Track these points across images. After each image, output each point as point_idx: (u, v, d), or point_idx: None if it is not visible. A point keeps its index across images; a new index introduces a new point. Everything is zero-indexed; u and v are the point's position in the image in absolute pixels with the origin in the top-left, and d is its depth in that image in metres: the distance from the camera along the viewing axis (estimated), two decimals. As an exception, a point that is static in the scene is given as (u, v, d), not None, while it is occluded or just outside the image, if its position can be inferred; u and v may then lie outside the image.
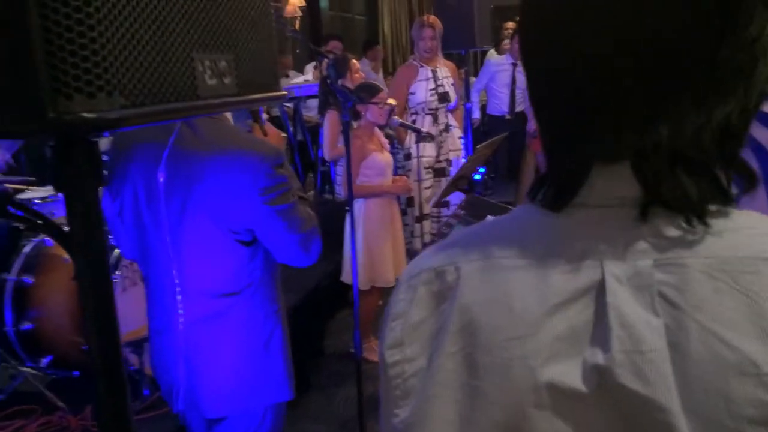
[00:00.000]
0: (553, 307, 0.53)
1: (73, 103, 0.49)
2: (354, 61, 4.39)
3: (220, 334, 1.69)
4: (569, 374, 0.52)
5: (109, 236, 1.89)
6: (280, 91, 0.87)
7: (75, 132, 0.54)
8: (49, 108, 0.48)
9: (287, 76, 7.67)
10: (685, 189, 0.52)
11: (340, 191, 4.78)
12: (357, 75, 4.25)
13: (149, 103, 0.56)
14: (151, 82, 0.57)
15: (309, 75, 6.59)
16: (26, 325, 2.79)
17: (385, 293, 3.84)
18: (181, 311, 1.68)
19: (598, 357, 0.51)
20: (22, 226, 3.26)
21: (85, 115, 0.50)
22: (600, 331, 0.52)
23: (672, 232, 0.53)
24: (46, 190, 3.27)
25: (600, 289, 0.53)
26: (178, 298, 1.67)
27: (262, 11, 0.86)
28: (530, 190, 0.60)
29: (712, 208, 0.53)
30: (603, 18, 0.51)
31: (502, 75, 6.40)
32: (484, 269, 0.57)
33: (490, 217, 2.42)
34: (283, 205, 1.61)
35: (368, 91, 3.42)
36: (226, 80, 0.71)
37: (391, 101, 3.71)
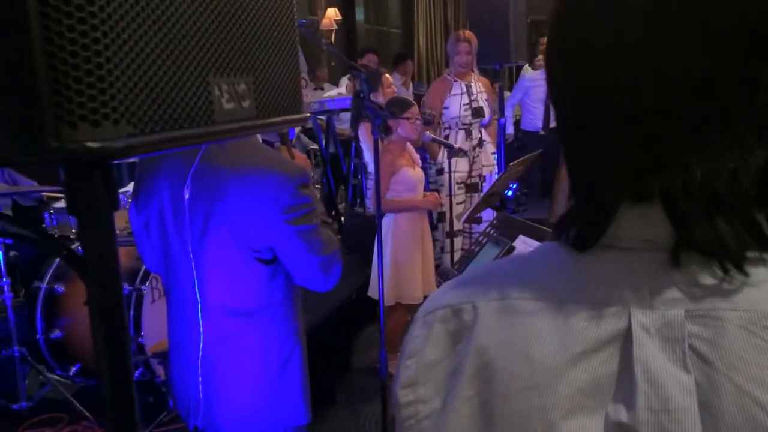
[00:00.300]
0: (575, 356, 0.50)
1: (77, 132, 0.47)
2: (387, 75, 4.38)
3: (238, 353, 1.67)
4: (590, 430, 0.48)
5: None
6: (302, 113, 0.84)
7: (78, 162, 0.51)
8: (51, 137, 0.46)
9: (322, 88, 7.72)
10: (721, 233, 0.48)
11: (370, 205, 4.77)
12: (389, 90, 4.24)
13: (159, 130, 0.54)
14: (162, 108, 0.54)
15: (343, 88, 6.61)
16: (56, 333, 2.82)
17: (412, 310, 3.80)
18: (201, 327, 1.67)
19: (622, 414, 0.47)
20: (56, 234, 3.31)
21: (90, 144, 0.47)
22: (624, 385, 0.48)
23: (706, 280, 0.48)
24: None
25: (626, 340, 0.49)
26: (199, 314, 1.66)
27: (286, 31, 0.84)
28: (555, 227, 0.56)
29: (751, 255, 0.48)
30: (631, 53, 0.48)
31: (537, 90, 6.34)
32: (502, 310, 0.54)
33: (520, 239, 2.37)
34: (305, 225, 1.59)
35: (400, 106, 3.40)
36: (245, 104, 0.69)
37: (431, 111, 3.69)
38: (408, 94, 6.52)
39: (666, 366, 0.47)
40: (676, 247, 0.49)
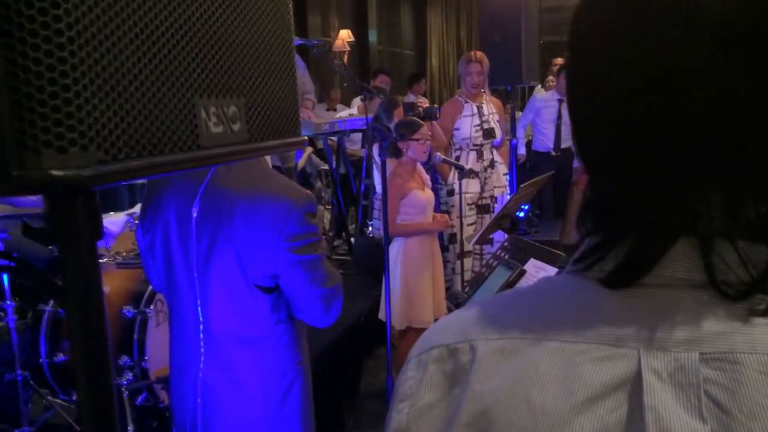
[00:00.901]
0: (580, 403, 0.45)
1: (41, 159, 0.43)
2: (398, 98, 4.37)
3: (237, 380, 1.63)
4: None
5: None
6: (299, 136, 0.80)
7: (42, 191, 0.47)
8: (13, 165, 0.43)
9: (335, 109, 7.74)
10: (750, 271, 0.44)
11: (378, 227, 4.73)
12: (398, 110, 4.23)
13: (136, 156, 0.50)
14: (139, 132, 0.50)
15: (355, 109, 6.61)
16: (60, 357, 2.79)
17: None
18: (202, 351, 1.63)
19: None
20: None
21: (55, 172, 0.44)
22: None
23: (725, 318, 0.44)
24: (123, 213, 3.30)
25: (635, 385, 0.45)
26: (201, 336, 1.63)
27: (283, 51, 0.80)
28: (578, 260, 0.51)
29: None
30: (646, 82, 0.45)
31: (548, 111, 6.32)
32: (502, 351, 0.50)
33: (531, 262, 2.32)
34: (309, 255, 1.55)
35: (409, 128, 3.36)
36: (235, 127, 0.65)
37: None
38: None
39: (680, 414, 0.43)
40: (695, 284, 0.45)
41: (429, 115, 3.68)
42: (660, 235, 0.46)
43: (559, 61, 8.39)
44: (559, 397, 0.46)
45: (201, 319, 1.62)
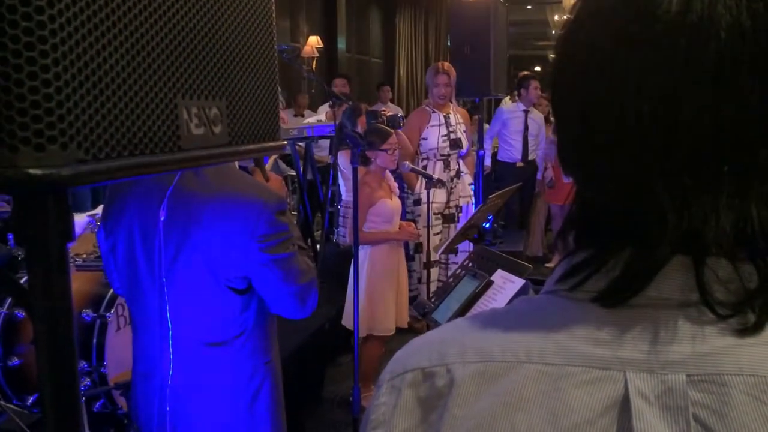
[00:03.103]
0: (567, 429, 0.44)
1: (17, 157, 0.41)
2: (364, 107, 4.36)
3: (205, 386, 1.60)
4: None
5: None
6: (279, 140, 0.79)
7: (19, 190, 0.45)
8: (-13, 162, 0.40)
9: (302, 115, 7.72)
10: (747, 292, 0.43)
11: (345, 235, 4.71)
12: (361, 118, 4.23)
13: (116, 156, 0.48)
14: (120, 132, 0.48)
15: (322, 115, 6.59)
16: (14, 361, 2.70)
17: (389, 341, 3.73)
18: (171, 356, 1.59)
19: None
20: (21, 256, 3.19)
21: (32, 171, 0.42)
22: None
23: (712, 339, 0.44)
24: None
25: (623, 409, 0.43)
26: (170, 342, 1.59)
27: (266, 55, 0.79)
28: (563, 277, 0.50)
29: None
30: (646, 100, 0.44)
31: (515, 122, 6.40)
32: (482, 374, 0.48)
33: (499, 273, 2.33)
34: (281, 254, 1.54)
35: (378, 136, 3.36)
36: (216, 129, 0.63)
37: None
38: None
39: None
40: (684, 303, 0.44)
41: (392, 124, 3.68)
42: (656, 254, 0.45)
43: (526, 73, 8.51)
44: (545, 423, 0.44)
45: (170, 324, 1.59)
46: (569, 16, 0.51)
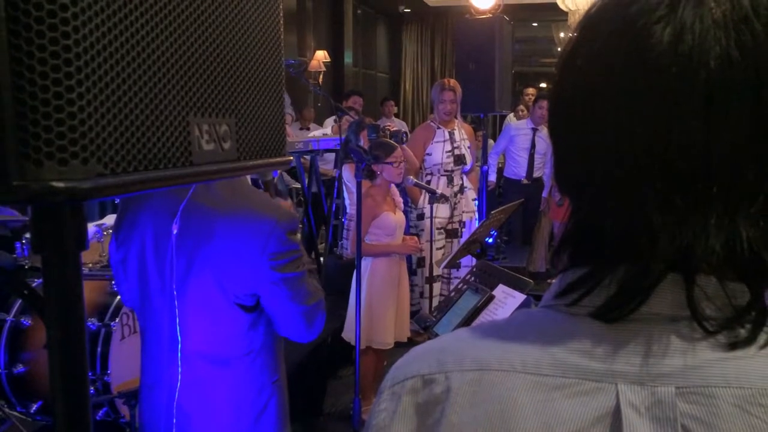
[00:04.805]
0: None
1: (42, 171, 0.44)
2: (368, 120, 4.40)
3: (211, 399, 1.61)
4: None
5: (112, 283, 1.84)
6: (285, 155, 0.82)
7: (42, 202, 0.48)
8: (14, 175, 0.43)
9: (308, 128, 7.77)
10: (738, 307, 0.45)
11: (348, 247, 4.73)
12: (364, 132, 4.26)
13: (132, 170, 0.51)
14: (136, 148, 0.51)
15: (328, 129, 6.64)
16: (19, 368, 2.72)
17: (390, 354, 3.74)
18: (180, 369, 1.60)
19: None
20: (27, 265, 3.23)
21: (55, 184, 0.44)
22: None
23: (702, 353, 0.46)
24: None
25: (615, 419, 0.45)
26: (179, 355, 1.60)
27: (273, 73, 0.82)
28: (563, 293, 0.51)
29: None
30: (641, 121, 0.46)
31: (522, 139, 6.41)
32: (478, 382, 0.49)
33: (500, 288, 2.35)
34: (291, 273, 1.54)
35: (384, 150, 3.40)
36: (226, 145, 0.66)
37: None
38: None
39: None
40: (673, 317, 0.46)
41: (395, 139, 3.72)
42: (651, 271, 0.46)
43: (532, 91, 8.56)
44: (539, 431, 0.46)
45: (179, 338, 1.60)
46: (566, 44, 0.53)
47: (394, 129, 4.20)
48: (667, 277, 0.47)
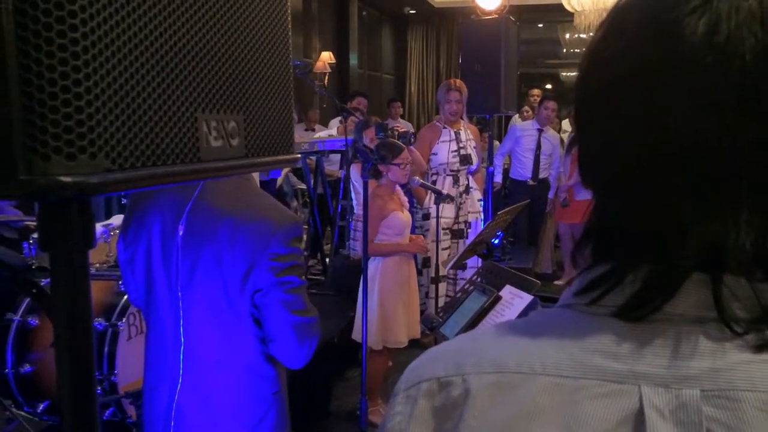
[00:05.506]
0: None
1: (49, 165, 0.43)
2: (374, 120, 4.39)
3: (210, 406, 1.59)
4: None
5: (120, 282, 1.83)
6: (293, 153, 0.81)
7: (49, 197, 0.48)
8: (21, 169, 0.43)
9: (313, 129, 7.77)
10: (754, 306, 0.44)
11: (356, 247, 4.73)
12: (369, 130, 4.25)
13: (140, 166, 0.50)
14: (144, 143, 0.51)
15: (333, 130, 6.64)
16: (26, 368, 2.73)
17: (396, 354, 3.73)
18: (181, 373, 1.60)
19: None
20: (34, 265, 3.24)
21: (63, 179, 0.44)
22: None
23: (728, 356, 0.44)
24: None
25: (638, 422, 0.44)
26: (181, 358, 1.60)
27: (282, 70, 0.81)
28: (582, 291, 0.50)
29: None
30: (673, 117, 0.45)
31: (527, 140, 6.40)
32: (498, 385, 0.48)
33: (507, 288, 2.34)
34: (289, 277, 1.52)
35: (391, 151, 3.39)
36: (234, 142, 0.66)
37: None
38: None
39: None
40: (700, 318, 0.45)
41: (403, 140, 3.72)
42: (676, 270, 0.45)
43: (537, 92, 8.54)
44: None
45: (182, 340, 1.59)
46: (594, 35, 0.52)
47: (403, 130, 4.20)
48: (692, 277, 0.45)
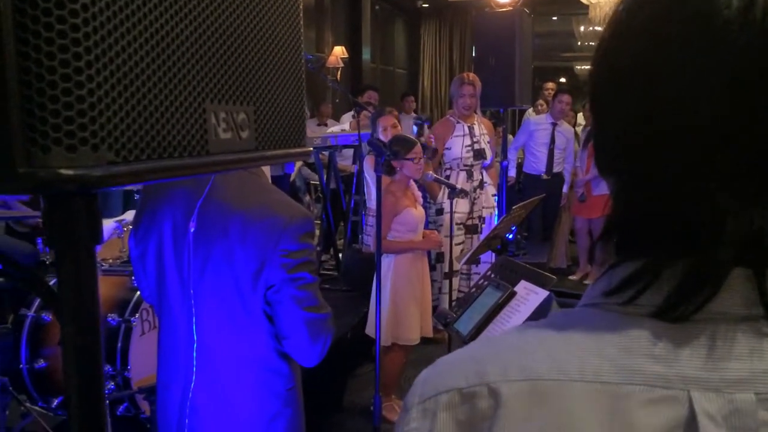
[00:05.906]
0: None
1: (49, 157, 0.42)
2: (390, 114, 4.35)
3: (225, 402, 1.58)
4: None
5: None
6: (304, 146, 0.79)
7: (50, 190, 0.46)
8: (20, 161, 0.41)
9: (326, 124, 7.75)
10: None
11: (369, 243, 4.71)
12: (383, 119, 4.22)
13: (146, 158, 0.48)
14: (150, 134, 0.49)
15: (346, 125, 6.62)
16: (40, 364, 2.74)
17: (410, 351, 3.71)
18: (194, 370, 1.59)
19: None
20: (48, 261, 3.25)
21: (63, 171, 0.42)
22: None
23: None
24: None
25: (689, 430, 0.41)
26: (194, 354, 1.58)
27: (293, 62, 0.79)
28: (613, 291, 0.47)
29: None
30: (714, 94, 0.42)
31: (541, 134, 6.35)
32: (530, 394, 0.44)
33: (522, 284, 2.31)
34: (301, 273, 1.50)
35: (403, 146, 3.36)
36: (244, 134, 0.64)
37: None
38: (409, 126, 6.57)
39: None
40: (750, 317, 0.42)
41: (427, 153, 3.74)
42: (719, 261, 0.42)
43: (551, 85, 8.47)
44: None
45: (195, 337, 1.58)
46: (618, 7, 0.49)
47: (432, 146, 4.22)
48: (733, 272, 0.43)
